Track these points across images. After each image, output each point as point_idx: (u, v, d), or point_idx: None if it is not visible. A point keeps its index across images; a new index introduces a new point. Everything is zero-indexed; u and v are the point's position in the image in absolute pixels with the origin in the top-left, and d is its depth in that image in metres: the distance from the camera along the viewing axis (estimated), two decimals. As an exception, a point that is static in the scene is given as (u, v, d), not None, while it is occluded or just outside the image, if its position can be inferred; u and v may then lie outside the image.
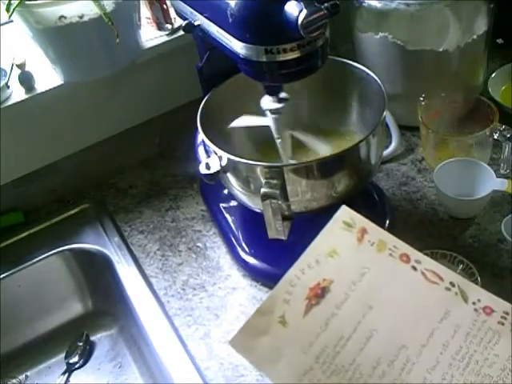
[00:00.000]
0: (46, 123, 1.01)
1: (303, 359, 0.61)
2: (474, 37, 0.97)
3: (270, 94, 0.78)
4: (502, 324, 0.61)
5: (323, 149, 0.81)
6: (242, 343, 0.62)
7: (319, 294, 0.64)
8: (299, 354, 0.61)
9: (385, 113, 0.78)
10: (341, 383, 0.59)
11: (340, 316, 0.63)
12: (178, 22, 1.00)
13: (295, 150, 0.88)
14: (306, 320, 0.63)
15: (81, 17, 0.86)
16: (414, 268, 0.65)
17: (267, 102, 0.78)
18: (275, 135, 0.80)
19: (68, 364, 0.97)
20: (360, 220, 0.68)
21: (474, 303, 0.63)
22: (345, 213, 0.68)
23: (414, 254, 0.65)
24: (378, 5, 0.95)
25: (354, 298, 0.64)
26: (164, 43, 1.02)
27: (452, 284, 0.64)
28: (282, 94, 0.78)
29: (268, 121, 0.79)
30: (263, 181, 0.74)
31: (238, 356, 0.78)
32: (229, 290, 0.87)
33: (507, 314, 0.62)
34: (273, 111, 0.78)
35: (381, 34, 0.97)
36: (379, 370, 0.60)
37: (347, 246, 0.67)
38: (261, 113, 0.80)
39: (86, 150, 1.06)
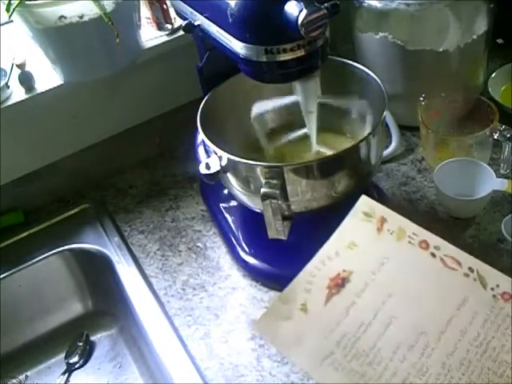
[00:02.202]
0: (46, 123, 1.01)
1: (325, 344, 0.62)
2: (474, 37, 0.97)
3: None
4: None
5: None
6: (265, 326, 0.64)
7: (339, 283, 0.65)
8: (321, 339, 0.63)
9: (385, 113, 0.78)
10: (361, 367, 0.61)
11: (360, 304, 0.64)
12: (178, 21, 1.00)
13: (296, 150, 0.89)
14: (326, 308, 0.64)
15: (81, 17, 0.86)
16: (433, 255, 0.66)
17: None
18: (304, 107, 0.79)
19: (68, 364, 0.97)
20: (379, 209, 0.69)
21: (492, 289, 0.63)
22: (364, 203, 0.69)
23: (433, 240, 0.67)
24: (378, 5, 0.95)
25: (373, 287, 0.65)
26: (164, 43, 1.02)
27: (471, 269, 0.65)
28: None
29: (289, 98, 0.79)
30: (263, 181, 0.74)
31: (238, 356, 0.79)
32: (229, 290, 0.87)
33: None
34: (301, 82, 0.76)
35: (381, 34, 0.97)
36: (399, 354, 0.61)
37: (367, 237, 0.68)
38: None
39: (85, 150, 1.06)
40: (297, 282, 0.66)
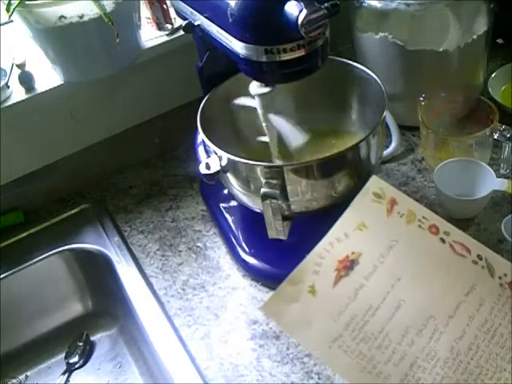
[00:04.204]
0: (46, 123, 1.01)
1: (333, 326, 0.62)
2: (474, 37, 0.97)
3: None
4: None
5: (298, 137, 0.82)
6: (273, 309, 0.63)
7: (348, 266, 0.65)
8: (329, 322, 0.62)
9: (385, 113, 0.78)
10: (370, 350, 0.61)
11: (369, 287, 0.64)
12: (178, 21, 1.00)
13: (295, 150, 0.88)
14: (335, 290, 0.64)
15: (81, 17, 0.86)
16: (443, 240, 0.66)
17: (255, 87, 0.78)
18: (262, 120, 0.80)
19: (68, 364, 0.97)
20: (390, 190, 0.68)
21: (500, 277, 0.64)
22: (375, 183, 0.68)
23: (444, 225, 0.66)
24: (378, 5, 0.95)
25: (382, 270, 0.64)
26: (164, 43, 1.02)
27: (479, 257, 0.65)
28: None
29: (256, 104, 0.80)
30: (263, 181, 0.74)
31: (238, 356, 0.79)
32: (229, 290, 0.87)
33: None
34: (260, 95, 0.78)
35: (381, 34, 0.97)
36: (408, 337, 0.62)
37: (376, 218, 0.67)
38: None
39: (85, 150, 1.06)
40: (305, 264, 0.65)
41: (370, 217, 0.67)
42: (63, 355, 0.98)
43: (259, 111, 0.80)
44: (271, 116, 0.81)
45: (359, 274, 0.64)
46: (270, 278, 0.86)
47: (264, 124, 0.82)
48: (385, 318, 0.62)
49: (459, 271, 0.65)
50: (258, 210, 0.79)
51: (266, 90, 0.77)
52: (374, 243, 0.66)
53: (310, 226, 0.86)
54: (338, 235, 0.67)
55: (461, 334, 0.62)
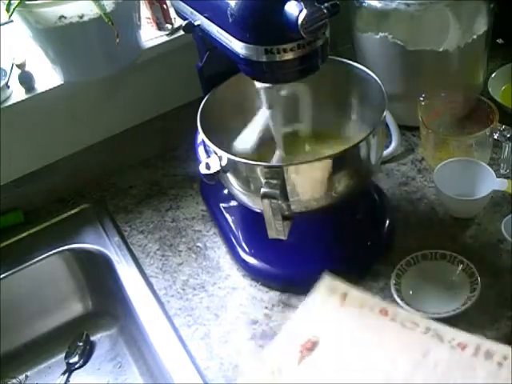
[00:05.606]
0: (46, 123, 1.01)
1: None
2: (474, 37, 0.97)
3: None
4: (476, 355, 0.67)
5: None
6: None
7: (310, 347, 0.71)
8: None
9: (385, 113, 0.78)
10: None
11: (330, 368, 0.69)
12: (178, 21, 1.00)
13: (295, 150, 0.88)
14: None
15: (81, 17, 0.86)
16: (393, 319, 0.72)
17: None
18: (266, 108, 0.80)
19: (68, 364, 0.97)
20: (341, 286, 0.76)
21: (449, 341, 0.69)
22: (326, 281, 0.76)
23: (392, 308, 0.74)
24: (378, 5, 0.95)
25: (341, 352, 0.71)
26: (164, 43, 1.02)
27: (428, 328, 0.71)
28: None
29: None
30: (263, 181, 0.74)
31: (238, 356, 0.79)
32: (229, 290, 0.87)
33: (479, 346, 0.68)
34: (266, 90, 0.78)
35: (381, 34, 0.97)
36: None
37: (331, 307, 0.74)
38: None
39: (85, 150, 1.06)
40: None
41: (325, 307, 0.74)
42: (63, 355, 0.98)
43: (264, 105, 0.80)
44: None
45: (320, 356, 0.70)
46: (270, 278, 0.86)
47: (270, 120, 0.81)
48: None
49: (412, 340, 0.70)
50: (258, 210, 0.79)
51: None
52: (331, 328, 0.73)
53: (310, 226, 0.86)
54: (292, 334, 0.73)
55: None
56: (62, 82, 0.96)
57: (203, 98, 0.86)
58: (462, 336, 0.70)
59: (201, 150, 0.89)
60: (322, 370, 0.69)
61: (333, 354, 0.71)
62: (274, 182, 0.73)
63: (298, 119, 0.88)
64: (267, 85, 0.77)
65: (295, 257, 0.86)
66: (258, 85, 0.78)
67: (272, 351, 0.73)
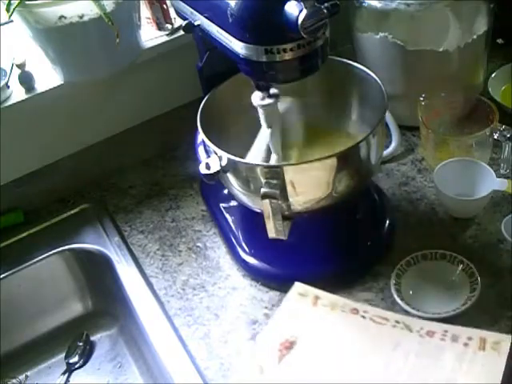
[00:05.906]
0: (46, 123, 1.01)
1: None
2: (474, 37, 0.97)
3: (261, 90, 0.78)
4: (444, 340, 0.72)
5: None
6: None
7: (288, 346, 0.74)
8: None
9: (385, 113, 0.78)
10: None
11: (307, 366, 0.73)
12: (178, 21, 1.00)
13: (295, 150, 0.89)
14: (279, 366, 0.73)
15: (81, 17, 0.86)
16: (364, 317, 0.77)
17: (258, 98, 0.78)
18: (265, 126, 0.80)
19: (68, 364, 0.97)
20: (312, 290, 0.80)
21: (417, 331, 0.74)
22: (298, 286, 0.80)
23: (362, 306, 0.78)
24: (378, 5, 0.95)
25: (316, 350, 0.74)
26: (164, 43, 1.02)
27: (397, 321, 0.75)
28: (272, 90, 0.78)
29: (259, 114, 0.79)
30: (263, 181, 0.74)
31: (238, 356, 0.79)
32: (229, 290, 0.87)
33: (446, 331, 0.73)
34: (263, 106, 0.78)
35: (381, 34, 0.97)
36: None
37: (304, 309, 0.78)
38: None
39: (85, 150, 1.06)
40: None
41: (299, 309, 0.78)
42: (63, 355, 0.98)
43: (262, 121, 0.80)
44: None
45: (297, 355, 0.73)
46: (270, 278, 0.86)
47: (268, 131, 0.81)
48: None
49: (382, 334, 0.74)
50: (258, 210, 0.79)
51: (269, 101, 0.77)
52: (306, 328, 0.76)
53: (310, 226, 0.87)
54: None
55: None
56: (62, 82, 0.96)
57: (203, 98, 0.86)
58: (430, 325, 0.74)
59: (201, 150, 0.89)
60: (301, 368, 0.72)
61: (310, 352, 0.74)
62: (274, 181, 0.73)
63: (293, 133, 0.88)
64: (265, 102, 0.77)
65: (295, 257, 0.86)
66: (256, 103, 0.78)
67: (255, 351, 0.75)
